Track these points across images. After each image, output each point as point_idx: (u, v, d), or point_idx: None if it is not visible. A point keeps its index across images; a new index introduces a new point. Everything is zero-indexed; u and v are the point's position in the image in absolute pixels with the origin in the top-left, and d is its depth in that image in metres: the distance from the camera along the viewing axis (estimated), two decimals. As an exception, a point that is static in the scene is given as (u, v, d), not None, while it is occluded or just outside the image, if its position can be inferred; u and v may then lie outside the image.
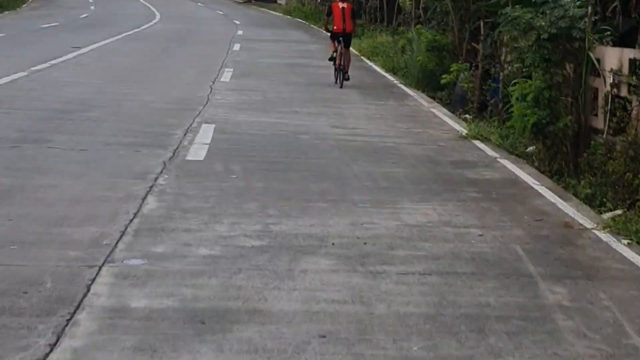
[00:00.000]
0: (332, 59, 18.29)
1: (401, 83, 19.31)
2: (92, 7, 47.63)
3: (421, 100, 16.76)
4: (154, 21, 39.50)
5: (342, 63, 17.99)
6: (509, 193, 9.06)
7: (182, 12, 47.68)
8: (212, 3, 58.14)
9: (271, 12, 53.43)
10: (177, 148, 10.31)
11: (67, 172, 8.74)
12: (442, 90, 18.17)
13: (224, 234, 6.89)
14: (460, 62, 16.68)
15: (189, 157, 9.84)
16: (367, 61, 24.58)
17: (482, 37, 15.95)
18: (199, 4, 56.53)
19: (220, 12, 48.94)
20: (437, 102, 16.95)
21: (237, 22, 40.92)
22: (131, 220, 7.07)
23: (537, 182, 9.63)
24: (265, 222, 7.29)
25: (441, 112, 15.18)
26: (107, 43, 25.62)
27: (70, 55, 20.84)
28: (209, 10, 51.14)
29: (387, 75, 21.14)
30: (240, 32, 34.26)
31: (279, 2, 59.11)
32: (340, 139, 11.70)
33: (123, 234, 6.70)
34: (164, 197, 7.98)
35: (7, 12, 41.48)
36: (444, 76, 15.63)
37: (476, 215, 7.96)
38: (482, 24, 16.03)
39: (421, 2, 21.40)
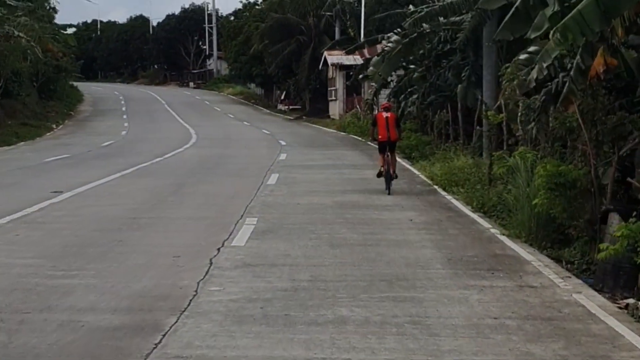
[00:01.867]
0: (380, 175, 18.45)
1: (502, 233, 13.01)
2: (124, 132, 42.79)
3: (547, 271, 10.36)
4: (186, 146, 34.09)
5: (389, 170, 18.14)
6: None
7: (223, 133, 42.41)
8: (259, 121, 53.03)
9: (323, 128, 47.89)
10: None
11: None
12: (568, 245, 11.94)
13: None
14: (605, 206, 10.45)
15: None
16: (444, 193, 18.38)
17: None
18: (245, 122, 51.33)
19: (266, 132, 43.50)
20: (565, 268, 10.73)
21: (283, 143, 35.35)
22: None
23: None
24: None
25: (594, 302, 8.78)
26: (104, 182, 19.91)
27: (33, 208, 15.04)
28: (254, 129, 45.82)
29: (476, 217, 14.85)
30: (282, 157, 28.49)
31: (332, 116, 53.72)
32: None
33: None
34: None
35: (22, 143, 36.68)
36: (601, 246, 9.15)
37: None
38: (642, 146, 9.79)
39: (519, 113, 15.30)
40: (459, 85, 26.31)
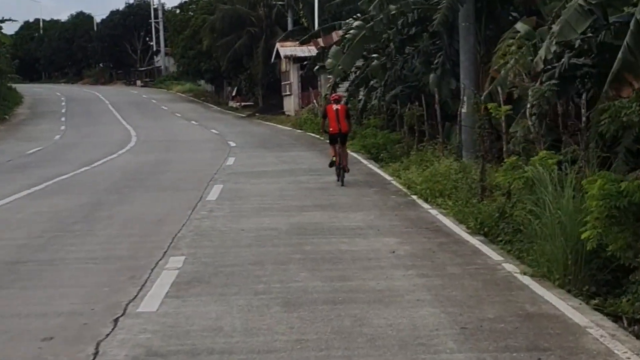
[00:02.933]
0: (332, 164, 18.25)
1: (524, 272, 9.36)
2: (57, 137, 38.68)
3: (618, 347, 6.67)
4: (121, 151, 30.07)
5: (341, 162, 17.96)
6: None
7: (167, 135, 38.43)
8: (209, 120, 49.06)
9: (278, 126, 44.08)
10: None
11: None
12: (618, 288, 8.43)
13: None
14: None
15: None
16: (427, 206, 14.74)
17: None
18: (193, 122, 47.27)
19: (215, 131, 39.58)
20: (630, 332, 7.18)
21: (232, 144, 31.55)
22: None
23: None
24: None
25: None
26: (4, 203, 15.96)
27: None
28: (202, 129, 41.85)
29: (478, 244, 11.18)
30: (230, 162, 24.68)
31: (287, 113, 49.90)
32: None
33: None
34: None
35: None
36: None
37: None
38: None
39: (531, 104, 11.66)
40: (431, 75, 22.77)
